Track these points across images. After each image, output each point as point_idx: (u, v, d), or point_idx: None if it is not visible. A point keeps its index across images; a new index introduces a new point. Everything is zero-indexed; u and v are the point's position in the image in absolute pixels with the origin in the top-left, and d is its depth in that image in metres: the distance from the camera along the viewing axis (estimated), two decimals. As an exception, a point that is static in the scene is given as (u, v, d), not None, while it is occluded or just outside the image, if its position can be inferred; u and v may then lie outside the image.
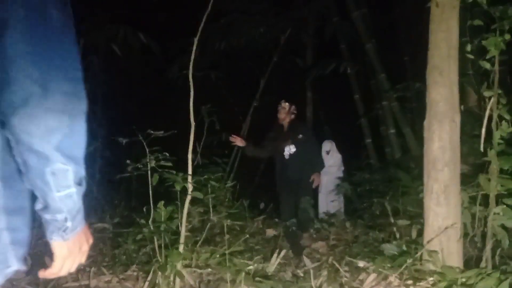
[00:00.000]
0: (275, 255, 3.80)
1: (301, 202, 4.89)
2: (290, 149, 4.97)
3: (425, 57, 2.98)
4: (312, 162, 5.00)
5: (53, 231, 1.08)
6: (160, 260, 3.19)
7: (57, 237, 1.08)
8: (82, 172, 1.05)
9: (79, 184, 1.04)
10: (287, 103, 5.10)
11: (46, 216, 1.06)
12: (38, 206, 1.05)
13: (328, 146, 6.76)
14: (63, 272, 1.13)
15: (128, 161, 3.18)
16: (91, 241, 1.22)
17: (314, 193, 5.20)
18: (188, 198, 3.20)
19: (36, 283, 3.61)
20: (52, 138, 0.94)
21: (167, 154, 3.15)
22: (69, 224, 1.07)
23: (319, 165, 5.15)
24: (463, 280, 2.52)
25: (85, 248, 1.20)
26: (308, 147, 4.98)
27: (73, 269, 1.16)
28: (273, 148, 5.13)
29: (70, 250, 1.12)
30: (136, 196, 7.08)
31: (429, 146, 2.90)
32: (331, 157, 6.76)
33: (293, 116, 5.13)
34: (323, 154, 6.89)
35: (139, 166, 3.15)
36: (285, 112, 5.08)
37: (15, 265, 1.15)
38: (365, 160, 6.79)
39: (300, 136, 4.96)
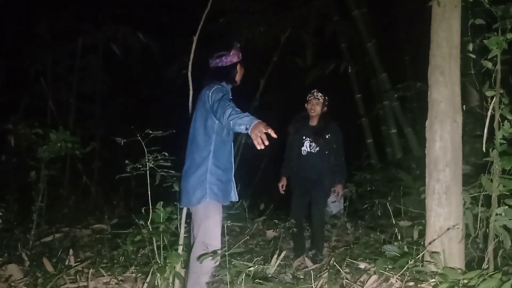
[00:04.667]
0: (275, 256, 3.78)
1: (314, 215, 4.37)
2: (310, 146, 4.36)
3: (426, 57, 2.96)
4: (334, 169, 4.37)
5: (242, 129, 2.51)
6: (159, 261, 3.17)
7: (246, 130, 2.49)
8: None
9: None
10: (320, 94, 4.38)
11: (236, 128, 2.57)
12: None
13: None
14: (262, 135, 2.41)
15: (126, 161, 3.15)
16: (263, 126, 2.44)
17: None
18: (187, 198, 3.18)
19: (35, 283, 3.60)
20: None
21: (166, 154, 3.13)
22: (242, 127, 2.50)
23: (343, 175, 4.48)
24: (465, 281, 2.50)
25: (264, 128, 2.42)
26: (333, 151, 4.37)
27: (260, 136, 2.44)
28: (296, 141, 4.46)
29: (253, 132, 2.44)
30: (135, 197, 7.07)
31: (431, 146, 2.87)
32: None
33: (325, 109, 4.41)
34: None
35: (137, 166, 3.13)
36: (319, 104, 4.36)
37: (234, 198, 3.00)
38: (365, 160, 6.76)
39: (328, 136, 4.35)
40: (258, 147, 2.40)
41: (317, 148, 4.35)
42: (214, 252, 2.80)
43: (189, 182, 2.88)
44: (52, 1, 8.28)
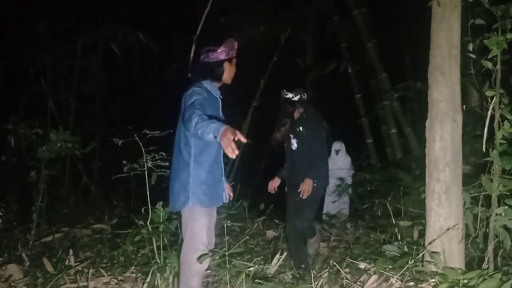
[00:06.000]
0: (276, 256, 3.78)
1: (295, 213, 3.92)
2: (291, 144, 3.99)
3: (426, 57, 2.95)
4: (309, 166, 3.86)
5: (211, 138, 2.34)
6: (159, 261, 3.17)
7: (215, 138, 2.32)
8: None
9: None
10: (285, 93, 3.98)
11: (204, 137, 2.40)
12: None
13: (338, 145, 6.75)
14: (231, 143, 2.24)
15: (124, 162, 3.16)
16: (231, 132, 2.26)
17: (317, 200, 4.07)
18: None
19: (35, 283, 3.60)
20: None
21: (164, 154, 3.13)
22: (211, 136, 2.34)
23: (313, 171, 3.83)
24: (465, 281, 2.50)
25: (232, 134, 2.24)
26: (307, 146, 3.91)
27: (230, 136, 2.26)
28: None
29: (222, 140, 2.25)
30: (135, 197, 7.08)
31: (431, 146, 2.87)
32: (340, 158, 6.73)
33: (301, 109, 4.00)
34: (332, 153, 6.81)
35: (135, 167, 3.13)
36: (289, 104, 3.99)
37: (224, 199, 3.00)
38: (366, 160, 6.76)
39: (300, 129, 3.92)
40: (230, 156, 2.26)
41: (296, 146, 3.97)
42: (203, 255, 2.76)
43: (174, 186, 2.85)
44: (52, 1, 8.29)
